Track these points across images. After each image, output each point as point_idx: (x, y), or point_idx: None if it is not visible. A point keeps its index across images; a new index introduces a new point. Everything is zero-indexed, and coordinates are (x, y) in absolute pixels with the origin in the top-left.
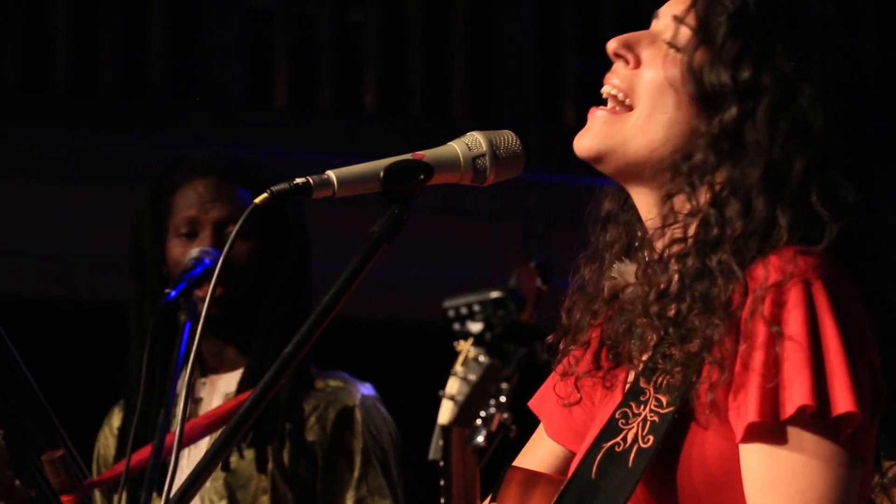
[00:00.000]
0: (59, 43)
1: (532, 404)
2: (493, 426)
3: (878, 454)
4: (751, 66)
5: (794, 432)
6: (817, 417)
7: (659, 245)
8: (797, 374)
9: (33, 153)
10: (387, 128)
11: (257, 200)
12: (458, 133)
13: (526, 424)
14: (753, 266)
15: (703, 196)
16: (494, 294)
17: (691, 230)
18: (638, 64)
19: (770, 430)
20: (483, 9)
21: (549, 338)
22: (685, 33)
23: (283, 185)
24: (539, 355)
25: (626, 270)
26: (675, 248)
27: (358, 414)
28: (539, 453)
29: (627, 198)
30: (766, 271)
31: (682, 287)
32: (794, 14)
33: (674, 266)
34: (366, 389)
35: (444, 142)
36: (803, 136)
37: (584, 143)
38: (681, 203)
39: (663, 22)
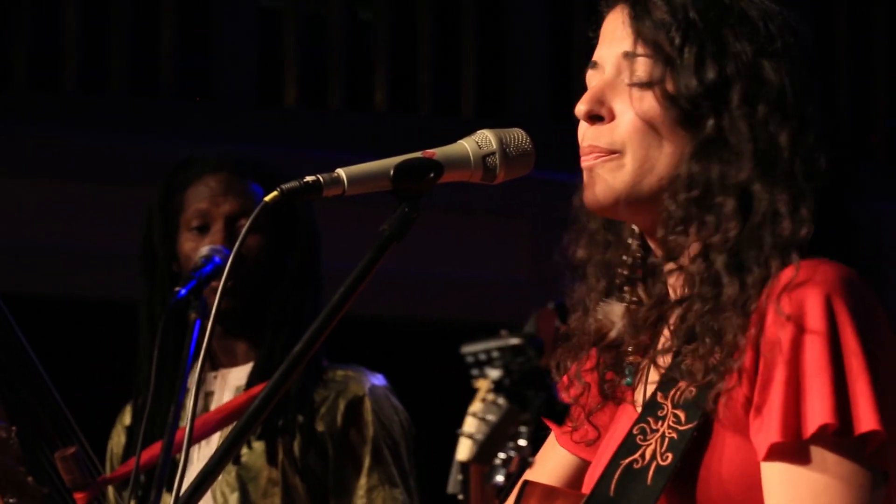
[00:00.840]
0: (69, 41)
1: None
2: (512, 467)
3: None
4: (713, 64)
5: (816, 452)
6: (840, 436)
7: (680, 252)
8: (819, 391)
9: (43, 151)
10: (397, 126)
11: (267, 198)
12: (467, 131)
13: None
14: (776, 276)
15: (693, 204)
16: (514, 341)
17: (705, 239)
18: (612, 117)
19: (792, 449)
20: (493, 7)
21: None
22: (643, 65)
23: (293, 183)
24: (558, 401)
25: (611, 311)
26: (696, 265)
27: (368, 403)
28: (552, 462)
29: (604, 237)
30: (787, 284)
31: (701, 291)
32: (728, 3)
33: (697, 274)
34: (376, 379)
35: (453, 140)
36: (781, 109)
37: (598, 198)
38: (686, 224)
39: (610, 64)
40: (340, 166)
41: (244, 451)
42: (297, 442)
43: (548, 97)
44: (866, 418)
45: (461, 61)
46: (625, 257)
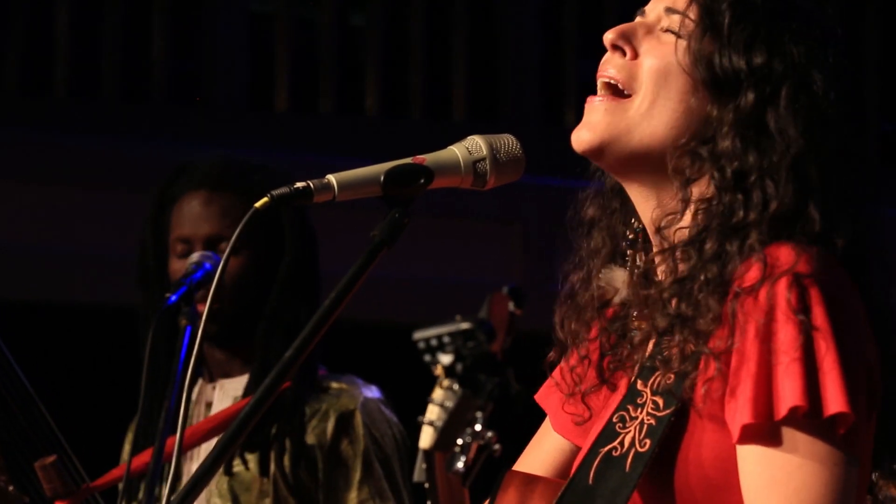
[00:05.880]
0: (61, 45)
1: (538, 397)
2: (471, 453)
3: (883, 462)
4: (763, 52)
5: (787, 433)
6: (810, 417)
7: (670, 232)
8: (790, 374)
9: (34, 155)
10: (388, 131)
11: (257, 205)
12: (458, 136)
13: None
14: (751, 260)
15: (727, 177)
16: (464, 325)
17: (709, 217)
18: (636, 55)
19: (765, 431)
20: (485, 12)
21: (550, 355)
22: (686, 23)
23: (283, 189)
24: (511, 384)
25: (614, 277)
26: (694, 233)
27: (359, 417)
28: (545, 447)
29: (611, 202)
30: (762, 268)
31: (695, 270)
32: (794, 3)
33: (688, 250)
34: (369, 392)
35: (444, 145)
36: (822, 124)
37: (584, 136)
38: (700, 189)
39: (654, 14)
40: (332, 171)
41: (237, 461)
42: (287, 454)
43: (540, 102)
44: (835, 400)
45: (453, 66)
46: (634, 222)
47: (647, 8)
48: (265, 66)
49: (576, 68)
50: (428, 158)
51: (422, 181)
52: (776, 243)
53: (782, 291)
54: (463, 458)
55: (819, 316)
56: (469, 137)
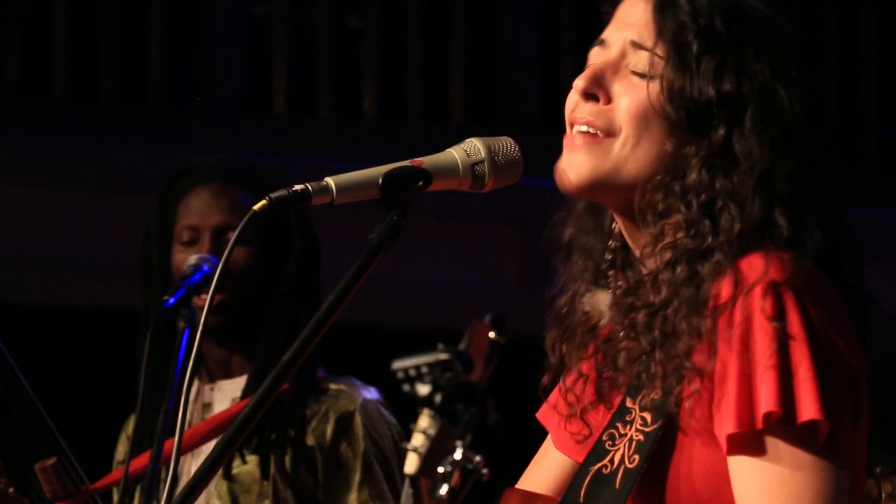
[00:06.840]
0: (59, 48)
1: (540, 416)
2: (454, 482)
3: (875, 468)
4: (732, 77)
5: (771, 441)
6: (783, 424)
7: (651, 263)
8: (765, 381)
9: (32, 158)
10: (386, 134)
11: (256, 207)
12: (457, 139)
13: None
14: (728, 271)
15: (695, 209)
16: (442, 356)
17: (682, 241)
18: (609, 99)
19: (749, 440)
20: (482, 14)
21: (544, 380)
22: (656, 62)
23: (281, 192)
24: (490, 415)
25: (597, 300)
26: (668, 260)
27: (358, 418)
28: (547, 464)
29: (585, 222)
30: (736, 277)
31: (670, 295)
32: (755, 22)
33: (663, 276)
34: (369, 393)
35: (443, 148)
36: (788, 137)
37: (571, 177)
38: (672, 221)
39: (617, 47)
40: (330, 173)
41: (236, 463)
42: (287, 456)
43: (537, 104)
44: (808, 408)
45: (451, 68)
46: (611, 242)
47: (607, 37)
48: (263, 69)
49: (574, 71)
50: (426, 161)
51: (420, 184)
52: (746, 255)
53: (757, 300)
54: (445, 486)
55: (794, 323)
56: (467, 140)
